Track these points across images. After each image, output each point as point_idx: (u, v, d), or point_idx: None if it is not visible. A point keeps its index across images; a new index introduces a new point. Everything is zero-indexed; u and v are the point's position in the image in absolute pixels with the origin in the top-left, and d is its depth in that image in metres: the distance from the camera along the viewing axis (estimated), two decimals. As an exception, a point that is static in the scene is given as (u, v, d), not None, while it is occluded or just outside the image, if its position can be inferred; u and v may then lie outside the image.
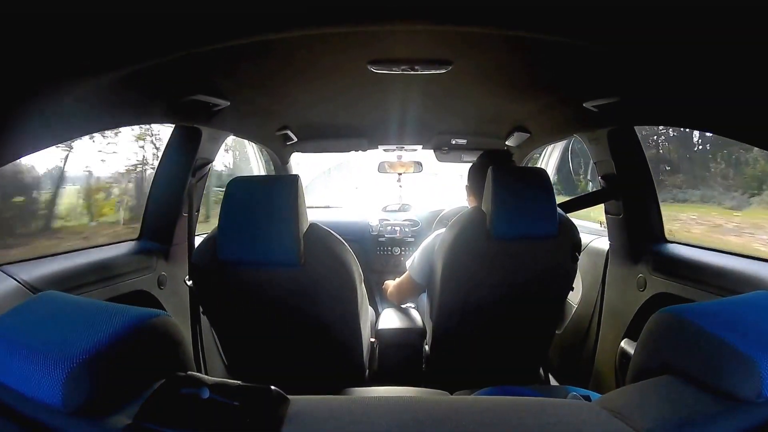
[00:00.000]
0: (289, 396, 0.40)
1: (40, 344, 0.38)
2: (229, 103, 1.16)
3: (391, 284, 1.55)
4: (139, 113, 0.96)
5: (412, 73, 0.99)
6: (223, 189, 0.96)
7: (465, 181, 1.42)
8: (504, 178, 1.09)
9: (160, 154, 1.35)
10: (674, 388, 0.42)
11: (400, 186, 2.45)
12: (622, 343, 1.28)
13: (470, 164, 1.42)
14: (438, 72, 0.99)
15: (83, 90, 0.66)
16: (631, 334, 1.29)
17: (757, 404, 0.38)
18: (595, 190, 1.49)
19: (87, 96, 0.70)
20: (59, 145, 1.27)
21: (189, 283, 1.03)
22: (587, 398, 0.62)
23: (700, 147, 1.84)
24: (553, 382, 1.58)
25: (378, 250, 2.35)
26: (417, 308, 1.68)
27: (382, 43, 0.87)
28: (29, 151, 0.68)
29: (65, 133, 0.75)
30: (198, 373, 0.41)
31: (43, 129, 0.67)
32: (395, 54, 0.92)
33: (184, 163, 1.29)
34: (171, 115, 1.08)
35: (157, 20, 0.55)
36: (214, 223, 1.21)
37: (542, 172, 1.14)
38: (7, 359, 0.38)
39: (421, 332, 1.39)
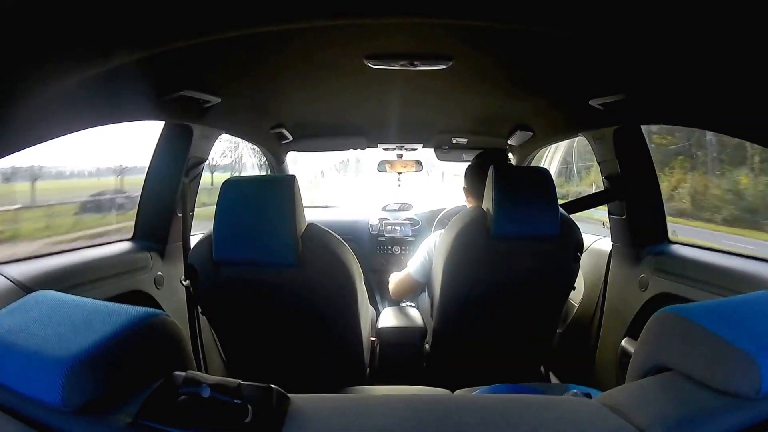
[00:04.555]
0: (289, 395, 0.40)
1: (38, 344, 0.38)
2: (220, 100, 1.13)
3: (394, 277, 1.56)
4: (126, 110, 0.93)
5: (411, 68, 0.97)
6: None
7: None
8: (506, 178, 1.09)
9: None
10: (675, 385, 0.43)
11: (399, 185, 2.43)
12: (623, 342, 1.29)
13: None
14: (438, 68, 0.97)
15: (65, 87, 0.64)
16: (632, 333, 1.29)
17: (757, 401, 0.39)
18: (598, 191, 1.48)
19: (69, 93, 0.67)
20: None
21: (186, 283, 1.02)
22: (588, 395, 0.63)
23: None
24: (554, 380, 1.58)
25: (378, 250, 2.35)
26: (418, 307, 1.68)
27: (380, 37, 0.84)
28: (5, 153, 0.64)
29: (46, 133, 0.71)
30: (198, 372, 0.41)
31: (22, 129, 0.64)
32: (393, 48, 0.90)
33: (176, 162, 1.28)
34: (159, 111, 1.06)
35: (142, 12, 0.53)
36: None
37: (545, 172, 1.13)
38: (4, 359, 0.38)
39: (421, 331, 1.39)
